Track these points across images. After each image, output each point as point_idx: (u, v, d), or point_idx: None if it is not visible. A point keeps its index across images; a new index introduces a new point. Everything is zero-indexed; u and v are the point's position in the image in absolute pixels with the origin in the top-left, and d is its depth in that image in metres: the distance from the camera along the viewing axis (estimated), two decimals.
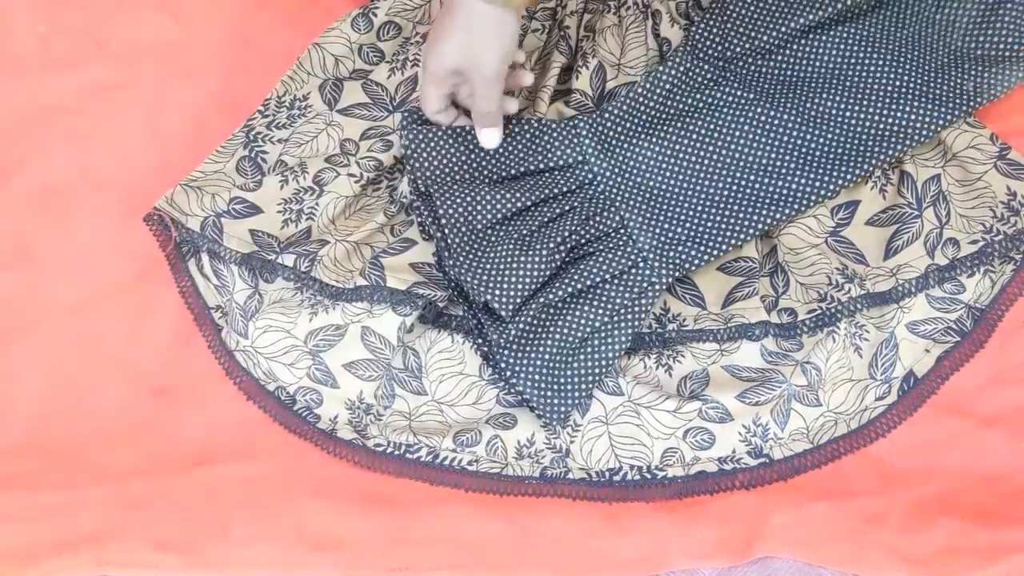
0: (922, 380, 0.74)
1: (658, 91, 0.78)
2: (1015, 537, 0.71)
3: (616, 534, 0.72)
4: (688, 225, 0.75)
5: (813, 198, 0.74)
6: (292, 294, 0.76)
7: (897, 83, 0.75)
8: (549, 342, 0.72)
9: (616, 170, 0.76)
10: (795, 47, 0.78)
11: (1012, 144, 0.75)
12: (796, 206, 0.74)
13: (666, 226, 0.75)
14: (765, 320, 0.74)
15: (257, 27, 0.86)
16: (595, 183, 0.76)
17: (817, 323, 0.73)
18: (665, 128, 0.77)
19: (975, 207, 0.74)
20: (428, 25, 0.82)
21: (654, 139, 0.76)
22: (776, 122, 0.76)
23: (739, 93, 0.77)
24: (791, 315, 0.74)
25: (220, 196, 0.77)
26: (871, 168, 0.74)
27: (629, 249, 0.74)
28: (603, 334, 0.72)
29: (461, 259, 0.72)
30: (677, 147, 0.76)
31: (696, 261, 0.74)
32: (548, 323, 0.72)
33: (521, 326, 0.72)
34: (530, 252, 0.72)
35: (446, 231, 0.73)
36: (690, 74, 0.78)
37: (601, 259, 0.73)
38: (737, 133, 0.76)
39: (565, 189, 0.75)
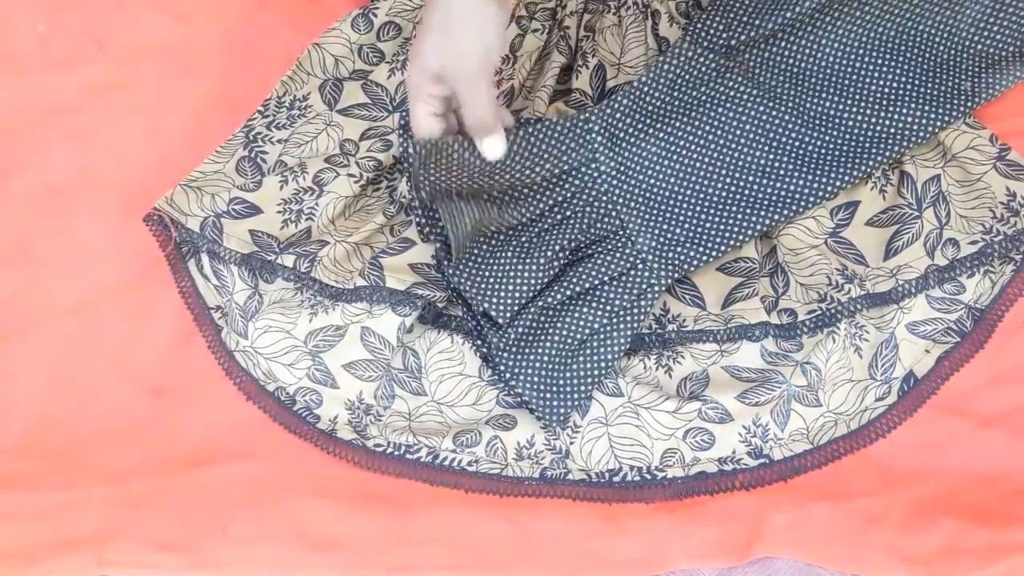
0: (922, 380, 0.74)
1: (662, 81, 0.77)
2: (1015, 537, 0.71)
3: (616, 534, 0.72)
4: (687, 226, 0.75)
5: (811, 200, 0.74)
6: (292, 294, 0.76)
7: (896, 83, 0.75)
8: (548, 344, 0.72)
9: (621, 168, 0.76)
10: (797, 38, 0.77)
11: (1012, 145, 0.75)
12: (794, 207, 0.75)
13: (665, 227, 0.75)
14: (765, 321, 0.74)
15: (257, 27, 0.86)
16: (598, 183, 0.75)
17: (817, 324, 0.73)
18: (671, 122, 0.76)
19: (975, 208, 0.74)
20: None
21: (660, 133, 0.76)
22: (776, 121, 0.76)
23: (741, 88, 0.76)
24: (791, 316, 0.74)
25: (220, 196, 0.77)
26: (868, 170, 0.75)
27: (628, 251, 0.74)
28: (602, 335, 0.72)
29: (460, 267, 0.72)
30: (680, 143, 0.76)
31: (695, 262, 0.74)
32: (547, 325, 0.72)
33: (520, 330, 0.72)
34: (528, 260, 0.72)
35: (449, 240, 0.72)
36: (693, 64, 0.77)
37: (600, 261, 0.73)
38: (738, 132, 0.76)
39: (569, 195, 0.75)
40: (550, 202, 0.75)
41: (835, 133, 0.75)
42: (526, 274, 0.72)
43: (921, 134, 0.74)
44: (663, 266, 0.74)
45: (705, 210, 0.75)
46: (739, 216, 0.75)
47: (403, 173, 0.78)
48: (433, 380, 0.76)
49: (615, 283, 0.73)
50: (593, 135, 0.76)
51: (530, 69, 0.82)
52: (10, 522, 0.74)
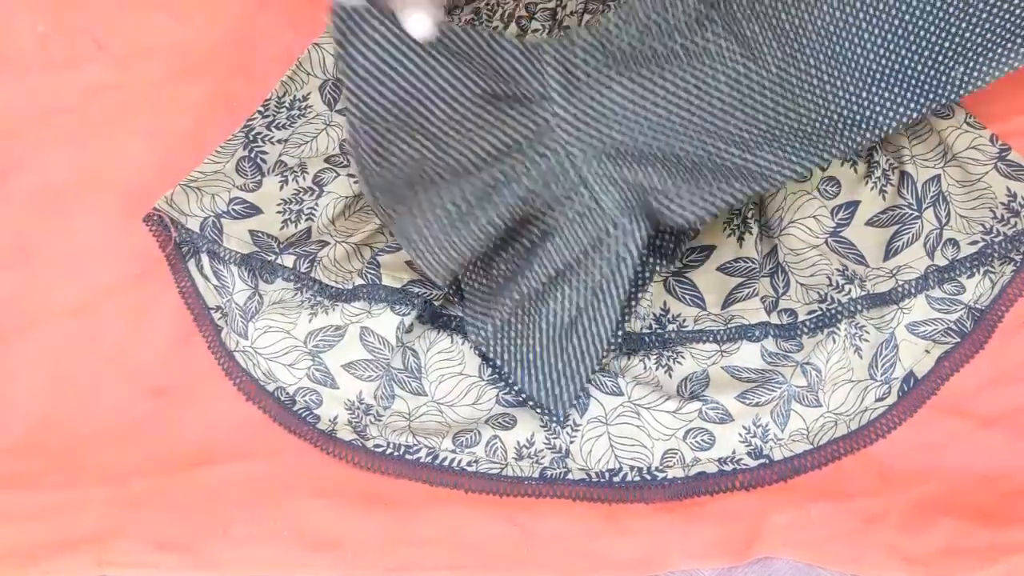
0: (922, 381, 0.74)
1: (633, 24, 0.68)
2: (1015, 537, 0.71)
3: (616, 535, 0.72)
4: (655, 188, 0.69)
5: (777, 178, 0.69)
6: (292, 295, 0.76)
7: (884, 60, 0.69)
8: (538, 333, 0.71)
9: (580, 115, 0.69)
10: None
11: (1012, 145, 0.75)
12: (763, 183, 0.69)
13: (631, 185, 0.69)
14: (765, 321, 0.74)
15: (257, 27, 0.86)
16: (553, 130, 0.68)
17: (817, 324, 0.73)
18: (639, 70, 0.69)
19: (975, 208, 0.74)
20: None
21: (626, 81, 0.68)
22: (754, 86, 0.70)
23: (721, 42, 0.69)
24: (791, 316, 0.74)
25: (220, 196, 0.77)
26: (841, 153, 0.69)
27: (596, 216, 0.69)
28: (591, 312, 0.71)
29: (394, 209, 0.66)
30: (648, 95, 0.69)
31: (668, 223, 0.69)
32: (532, 312, 0.71)
33: (498, 322, 0.71)
34: (477, 214, 0.66)
35: (376, 171, 0.65)
36: (670, 8, 0.69)
37: (568, 233, 0.69)
38: (713, 91, 0.69)
39: (519, 136, 0.67)
40: (496, 140, 0.68)
41: (813, 105, 0.70)
42: (466, 236, 0.66)
43: (903, 120, 0.69)
44: (636, 228, 0.69)
45: (671, 173, 0.69)
46: (707, 183, 0.68)
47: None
48: (433, 380, 0.76)
49: (590, 255, 0.70)
50: (547, 67, 0.68)
51: None
52: (10, 522, 0.74)
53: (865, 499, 0.72)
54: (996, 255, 0.73)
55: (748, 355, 0.75)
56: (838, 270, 0.74)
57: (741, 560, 0.72)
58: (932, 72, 0.69)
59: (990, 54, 0.69)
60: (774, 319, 0.74)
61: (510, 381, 0.73)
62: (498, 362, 0.72)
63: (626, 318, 0.72)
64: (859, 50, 0.69)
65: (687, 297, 0.76)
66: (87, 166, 0.83)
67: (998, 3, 0.68)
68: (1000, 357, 0.74)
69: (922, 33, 0.68)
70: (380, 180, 0.66)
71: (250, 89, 0.82)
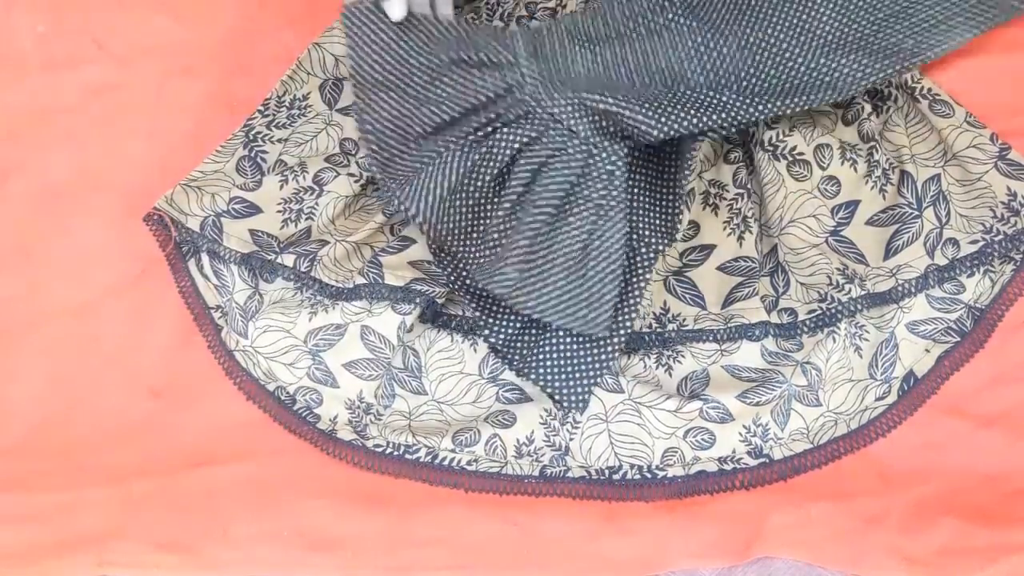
0: (922, 380, 0.74)
1: (597, 16, 0.76)
2: (1015, 537, 0.71)
3: (616, 534, 0.72)
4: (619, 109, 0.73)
5: (734, 116, 0.73)
6: (292, 294, 0.76)
7: (839, 30, 0.74)
8: (556, 268, 0.71)
9: (545, 76, 0.74)
10: None
11: (1012, 144, 0.75)
12: (723, 116, 0.73)
13: (597, 110, 0.73)
14: (765, 320, 0.74)
15: (257, 27, 0.86)
16: (523, 86, 0.74)
17: (817, 323, 0.73)
18: (602, 46, 0.76)
19: (975, 207, 0.74)
20: None
21: (588, 54, 0.76)
22: (714, 51, 0.74)
23: (681, 20, 0.75)
24: (791, 315, 0.74)
25: (220, 196, 0.77)
26: (800, 107, 0.73)
27: (577, 144, 0.73)
28: (599, 233, 0.71)
29: (380, 160, 0.72)
30: (610, 65, 0.75)
31: (642, 139, 0.73)
32: (545, 249, 0.71)
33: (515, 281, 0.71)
34: (455, 158, 0.72)
35: (370, 138, 0.73)
36: (632, 3, 0.76)
37: (556, 168, 0.72)
38: (675, 62, 0.75)
39: (492, 94, 0.73)
40: (471, 98, 0.73)
41: (772, 68, 0.74)
42: (451, 166, 0.71)
43: (855, 87, 0.73)
44: (615, 144, 0.73)
45: (631, 99, 0.73)
46: (670, 107, 0.73)
47: None
48: (433, 379, 0.76)
49: (582, 181, 0.72)
50: (517, 43, 0.74)
51: None
52: (10, 523, 0.74)
53: (865, 499, 0.72)
54: (996, 254, 0.73)
55: (748, 354, 0.75)
56: (838, 269, 0.74)
57: (741, 560, 0.72)
58: (885, 44, 0.73)
59: (935, 30, 0.74)
60: (774, 318, 0.74)
61: (530, 366, 0.72)
62: (516, 359, 0.72)
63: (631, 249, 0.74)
64: (817, 21, 0.74)
65: (687, 296, 0.76)
66: (87, 166, 0.83)
67: None
68: (1000, 357, 0.74)
69: (871, 9, 0.74)
70: (375, 135, 0.72)
71: (250, 89, 0.82)
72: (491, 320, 0.73)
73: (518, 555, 0.73)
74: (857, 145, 0.77)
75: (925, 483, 0.72)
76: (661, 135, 0.71)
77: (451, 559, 0.73)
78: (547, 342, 0.72)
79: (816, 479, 0.73)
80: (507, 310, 0.73)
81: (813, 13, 0.74)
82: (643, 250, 0.73)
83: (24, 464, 0.76)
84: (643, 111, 0.71)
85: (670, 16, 0.75)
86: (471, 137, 0.73)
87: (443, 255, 0.75)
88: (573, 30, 0.76)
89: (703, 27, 0.75)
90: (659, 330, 0.76)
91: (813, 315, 0.74)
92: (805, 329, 0.74)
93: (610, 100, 0.72)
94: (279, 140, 0.80)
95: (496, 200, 0.73)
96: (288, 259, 0.75)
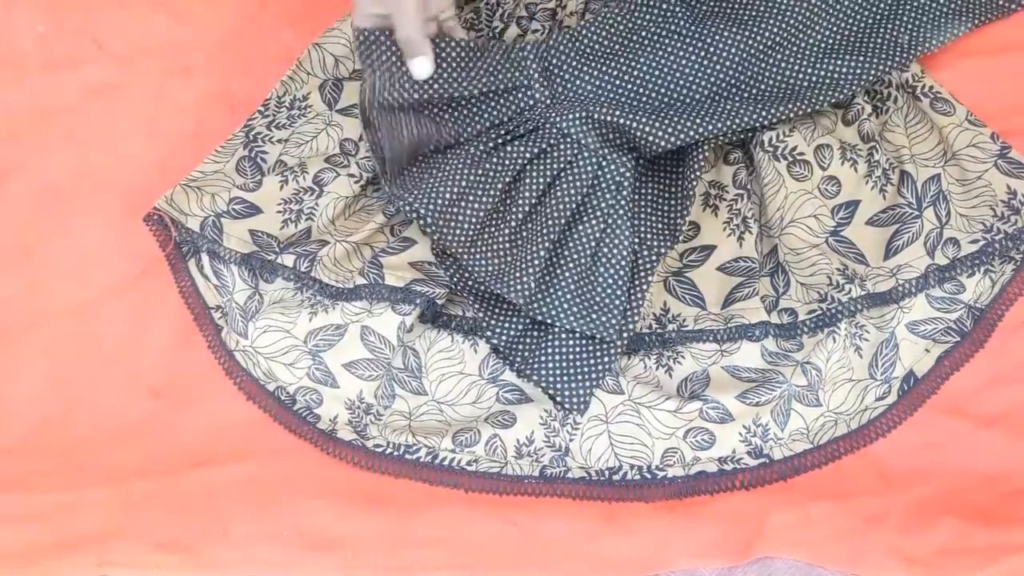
0: (922, 380, 0.73)
1: (602, 28, 0.77)
2: (1015, 537, 0.71)
3: (616, 534, 0.72)
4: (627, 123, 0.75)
5: (737, 122, 0.74)
6: (292, 294, 0.76)
7: (838, 30, 0.76)
8: (567, 274, 0.72)
9: (556, 97, 0.76)
10: None
11: (1012, 143, 0.75)
12: (726, 125, 0.74)
13: (606, 123, 0.75)
14: (765, 320, 0.74)
15: (257, 27, 0.86)
16: (535, 108, 0.75)
17: (817, 323, 0.73)
18: (608, 62, 0.77)
19: (975, 206, 0.74)
20: None
21: (596, 72, 0.77)
22: (717, 59, 0.76)
23: (685, 28, 0.77)
24: (791, 315, 0.74)
25: (220, 196, 0.77)
26: (800, 111, 0.74)
27: (586, 156, 0.74)
28: (608, 239, 0.73)
29: (402, 183, 0.72)
30: (616, 78, 0.77)
31: (650, 148, 0.74)
32: (557, 257, 0.73)
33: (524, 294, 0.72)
34: (460, 166, 0.72)
35: (386, 156, 0.73)
36: (636, 11, 0.78)
37: (566, 181, 0.74)
38: (677, 71, 0.77)
39: (505, 117, 0.75)
40: (486, 122, 0.75)
41: (774, 68, 0.76)
42: (460, 172, 0.71)
43: (855, 84, 0.75)
44: (624, 155, 0.75)
45: (638, 112, 0.75)
46: (677, 118, 0.74)
47: None
48: (433, 379, 0.76)
49: (592, 192, 0.74)
50: (528, 63, 0.76)
51: None
52: (10, 523, 0.74)
53: (865, 499, 0.72)
54: (996, 254, 0.73)
55: (748, 355, 0.75)
56: (838, 269, 0.74)
57: (741, 560, 0.72)
58: (881, 40, 0.75)
59: (931, 24, 0.76)
60: (774, 318, 0.74)
61: (532, 367, 0.72)
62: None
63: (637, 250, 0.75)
64: (816, 23, 0.76)
65: (687, 297, 0.76)
66: (87, 166, 0.83)
67: None
68: (1000, 357, 0.74)
69: (868, 5, 0.77)
70: (392, 156, 0.72)
71: (250, 89, 0.82)
72: (494, 322, 0.73)
73: (518, 555, 0.73)
74: (857, 145, 0.77)
75: (925, 483, 0.72)
76: (668, 145, 0.73)
77: (451, 559, 0.73)
78: (548, 344, 0.72)
79: (816, 479, 0.73)
80: (510, 312, 0.74)
81: (812, 15, 0.75)
82: (645, 253, 0.74)
83: (24, 464, 0.76)
84: (649, 122, 0.73)
85: (673, 26, 0.77)
86: (481, 148, 0.74)
87: (446, 256, 0.75)
88: (580, 47, 0.77)
89: (707, 34, 0.76)
90: (659, 331, 0.76)
91: (813, 315, 0.74)
92: (805, 329, 0.74)
93: (617, 113, 0.73)
94: (279, 140, 0.80)
95: (504, 211, 0.73)
96: (288, 259, 0.75)
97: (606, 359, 0.72)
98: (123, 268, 0.80)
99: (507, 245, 0.72)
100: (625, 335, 0.72)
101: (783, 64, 0.76)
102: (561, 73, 0.76)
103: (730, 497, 0.73)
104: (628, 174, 0.74)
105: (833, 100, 0.75)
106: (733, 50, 0.76)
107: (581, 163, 0.74)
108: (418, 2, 0.67)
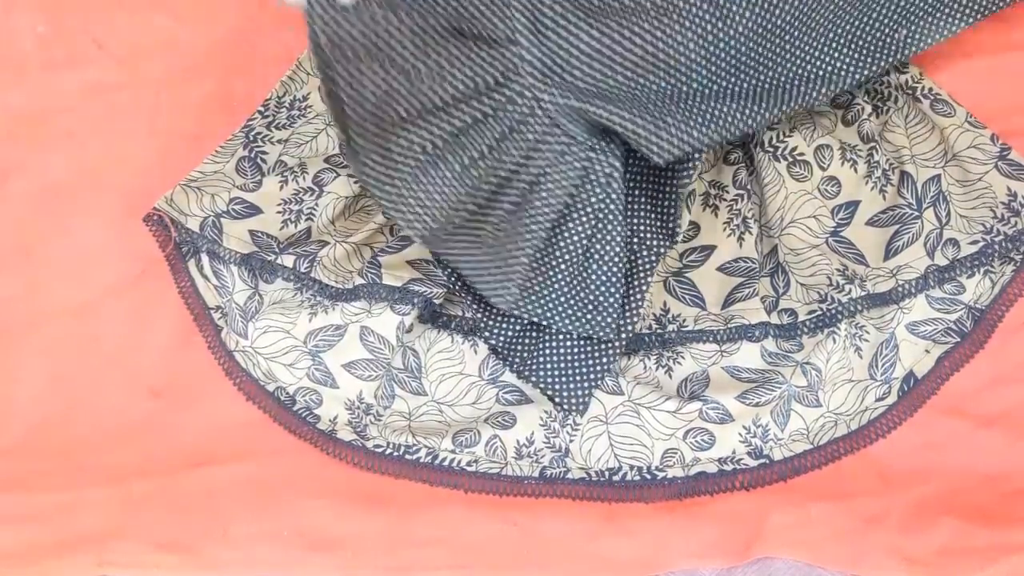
0: (922, 381, 0.74)
1: None
2: (1015, 537, 0.71)
3: (616, 535, 0.72)
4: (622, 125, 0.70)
5: (736, 129, 0.71)
6: (292, 295, 0.76)
7: (837, 18, 0.74)
8: (559, 274, 0.71)
9: (545, 58, 0.70)
10: None
11: (1012, 144, 0.75)
12: (724, 132, 0.70)
13: (598, 122, 0.70)
14: (765, 321, 0.74)
15: (257, 27, 0.86)
16: (520, 74, 0.69)
17: (817, 324, 0.73)
18: (607, 21, 0.70)
19: (975, 208, 0.74)
20: None
21: (593, 30, 0.69)
22: (721, 44, 0.71)
23: (692, 2, 0.71)
24: (791, 316, 0.74)
25: (220, 196, 0.77)
26: (794, 108, 0.72)
27: (575, 148, 0.71)
28: (600, 237, 0.71)
29: (370, 167, 0.65)
30: (616, 46, 0.70)
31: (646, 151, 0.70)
32: (548, 256, 0.72)
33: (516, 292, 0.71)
34: (445, 166, 0.66)
35: (351, 125, 0.64)
36: None
37: (557, 176, 0.71)
38: (681, 48, 0.71)
39: (488, 76, 0.67)
40: (465, 79, 0.67)
41: (775, 63, 0.73)
42: (445, 171, 0.66)
43: (850, 79, 0.73)
44: (614, 146, 0.71)
45: (634, 113, 0.69)
46: (673, 122, 0.70)
47: None
48: (433, 380, 0.76)
49: (582, 186, 0.71)
50: (514, 11, 0.68)
51: None
52: (10, 522, 0.74)
53: (865, 499, 0.72)
54: (996, 255, 0.73)
55: (748, 355, 0.75)
56: (838, 270, 0.74)
57: (741, 560, 0.72)
58: (879, 34, 0.73)
59: (930, 19, 0.74)
60: (774, 319, 0.74)
61: (531, 368, 0.72)
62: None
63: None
64: (823, 12, 0.73)
65: (687, 297, 0.76)
66: (87, 166, 0.83)
67: None
68: (1000, 357, 0.74)
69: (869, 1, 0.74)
70: (355, 116, 0.64)
71: (250, 89, 0.82)
72: (491, 322, 0.73)
73: (518, 555, 0.73)
74: (857, 146, 0.77)
75: (925, 483, 0.72)
76: (669, 156, 0.69)
77: (451, 559, 0.73)
78: (547, 345, 0.72)
79: (816, 479, 0.73)
80: (507, 312, 0.73)
81: (820, 5, 0.73)
82: (644, 253, 0.73)
83: (24, 464, 0.76)
84: (645, 129, 0.69)
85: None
86: (458, 125, 0.67)
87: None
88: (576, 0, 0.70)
89: (712, 11, 0.71)
90: (659, 331, 0.76)
91: (813, 316, 0.74)
92: (805, 330, 0.74)
93: (614, 112, 0.69)
94: (279, 141, 0.80)
95: (490, 208, 0.70)
96: (288, 260, 0.75)
97: (605, 360, 0.72)
98: (123, 268, 0.80)
99: (491, 241, 0.71)
100: (625, 335, 0.72)
101: (783, 48, 0.72)
102: (553, 25, 0.69)
103: (730, 497, 0.73)
104: (619, 165, 0.71)
105: (829, 95, 0.73)
106: (737, 28, 0.71)
107: (568, 158, 0.71)
108: None
